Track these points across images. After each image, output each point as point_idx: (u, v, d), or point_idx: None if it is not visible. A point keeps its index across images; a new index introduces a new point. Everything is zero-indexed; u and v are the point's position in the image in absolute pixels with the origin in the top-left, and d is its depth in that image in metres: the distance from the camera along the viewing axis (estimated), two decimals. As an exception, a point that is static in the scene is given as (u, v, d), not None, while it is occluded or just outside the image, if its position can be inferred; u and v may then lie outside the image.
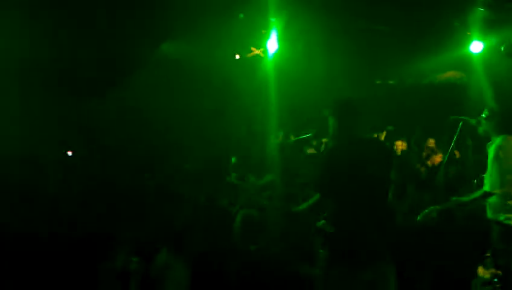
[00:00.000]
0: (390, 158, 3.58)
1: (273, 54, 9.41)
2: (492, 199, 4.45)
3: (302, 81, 9.64)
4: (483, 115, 4.66)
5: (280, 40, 9.00)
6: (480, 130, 4.73)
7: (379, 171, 3.34)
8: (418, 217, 4.73)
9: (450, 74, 10.46)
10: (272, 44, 9.15)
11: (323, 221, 3.87)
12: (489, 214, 4.52)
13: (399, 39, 9.22)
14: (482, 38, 8.63)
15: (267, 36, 9.10)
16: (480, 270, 4.38)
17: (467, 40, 8.82)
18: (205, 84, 10.10)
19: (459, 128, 4.95)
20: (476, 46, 8.75)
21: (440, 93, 10.57)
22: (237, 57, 11.50)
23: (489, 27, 8.22)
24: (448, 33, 8.86)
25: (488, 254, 4.39)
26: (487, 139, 4.67)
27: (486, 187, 4.44)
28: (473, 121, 4.78)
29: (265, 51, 10.03)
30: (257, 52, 10.91)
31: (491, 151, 4.52)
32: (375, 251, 3.29)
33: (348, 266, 3.29)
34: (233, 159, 6.94)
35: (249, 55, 11.14)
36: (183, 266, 4.06)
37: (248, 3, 8.12)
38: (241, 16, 8.07)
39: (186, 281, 4.03)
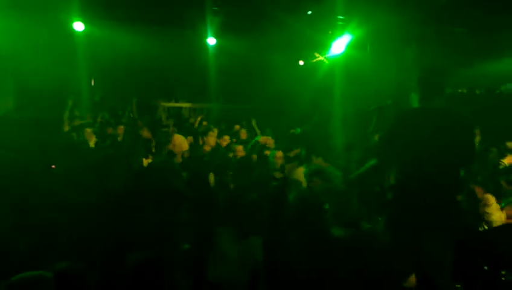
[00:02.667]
0: (466, 130, 3.19)
1: (339, 56, 9.33)
2: None
3: (368, 84, 9.40)
4: None
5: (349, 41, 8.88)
6: None
7: (449, 142, 3.08)
8: (503, 204, 4.56)
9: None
10: (339, 45, 9.06)
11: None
12: None
13: (471, 43, 8.85)
14: None
15: (333, 37, 9.05)
16: None
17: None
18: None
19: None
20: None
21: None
22: (301, 63, 11.60)
23: None
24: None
25: None
26: None
27: None
28: None
29: (329, 55, 10.04)
30: (321, 58, 10.94)
31: None
32: (436, 220, 3.09)
33: (407, 231, 3.13)
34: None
35: (314, 61, 11.19)
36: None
37: (316, 1, 8.12)
38: (310, 12, 8.02)
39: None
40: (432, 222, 3.08)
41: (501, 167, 6.44)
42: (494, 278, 3.91)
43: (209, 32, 9.07)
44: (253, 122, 8.84)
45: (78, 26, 8.24)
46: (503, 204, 4.64)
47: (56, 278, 2.88)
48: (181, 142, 6.13)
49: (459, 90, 10.56)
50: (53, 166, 5.34)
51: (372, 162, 3.35)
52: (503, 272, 3.91)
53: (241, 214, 4.21)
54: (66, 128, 6.92)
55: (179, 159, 5.96)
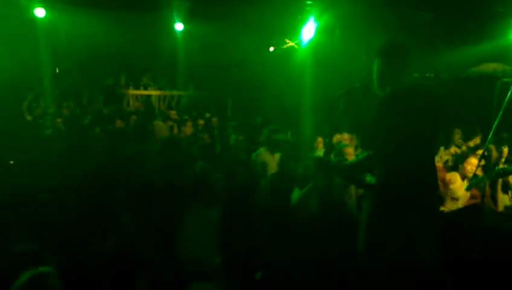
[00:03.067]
0: (438, 108, 3.14)
1: (309, 41, 9.29)
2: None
3: (338, 69, 9.40)
4: None
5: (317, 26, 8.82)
6: None
7: (427, 122, 3.08)
8: (466, 189, 4.69)
9: (491, 67, 9.95)
10: (308, 31, 9.01)
11: (369, 175, 3.69)
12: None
13: (436, 27, 8.92)
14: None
15: (302, 22, 9.00)
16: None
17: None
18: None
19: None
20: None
21: (479, 88, 10.14)
22: (271, 49, 11.52)
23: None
24: (490, 20, 8.52)
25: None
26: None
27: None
28: None
29: (299, 41, 9.99)
30: (291, 44, 10.88)
31: None
32: (420, 204, 3.09)
33: (392, 217, 3.09)
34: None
35: (284, 47, 11.12)
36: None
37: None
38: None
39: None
40: (419, 216, 3.07)
41: (465, 149, 6.59)
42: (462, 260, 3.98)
43: (176, 17, 8.90)
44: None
45: (39, 12, 7.95)
46: (465, 186, 4.75)
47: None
48: (161, 129, 6.15)
49: (427, 75, 10.67)
50: (11, 161, 5.23)
51: (367, 153, 3.29)
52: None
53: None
54: (28, 117, 6.76)
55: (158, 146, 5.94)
